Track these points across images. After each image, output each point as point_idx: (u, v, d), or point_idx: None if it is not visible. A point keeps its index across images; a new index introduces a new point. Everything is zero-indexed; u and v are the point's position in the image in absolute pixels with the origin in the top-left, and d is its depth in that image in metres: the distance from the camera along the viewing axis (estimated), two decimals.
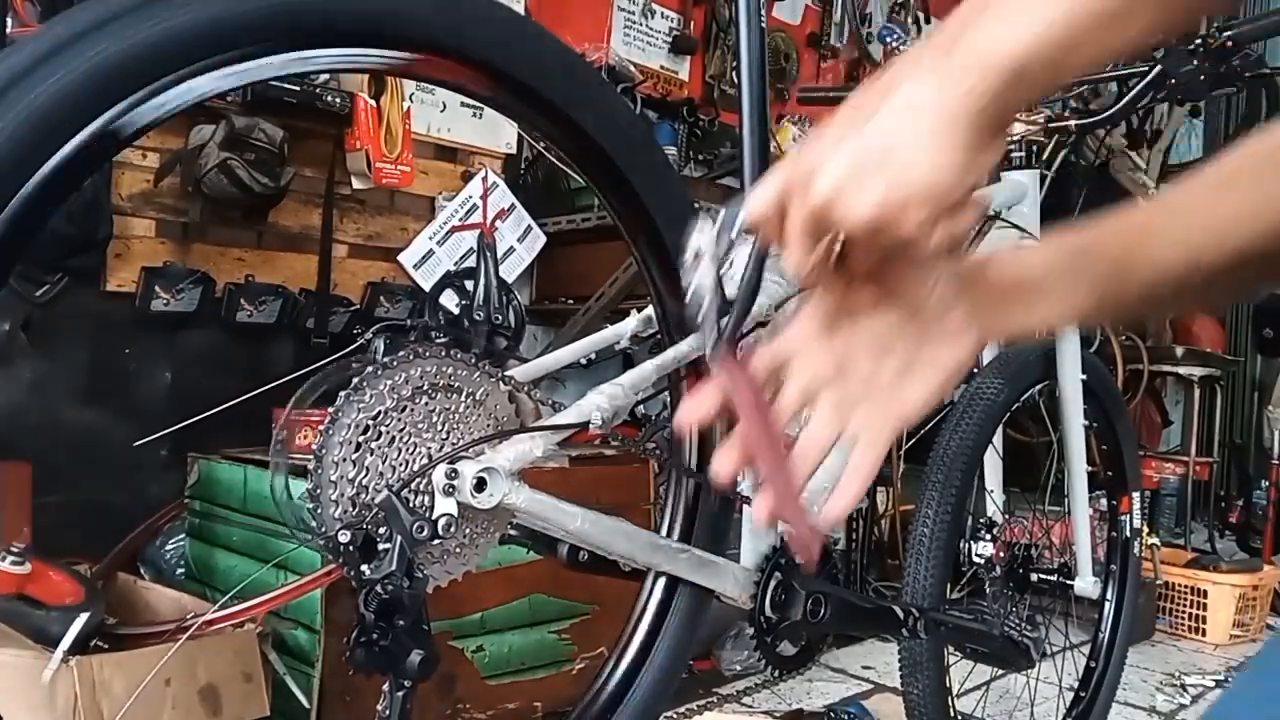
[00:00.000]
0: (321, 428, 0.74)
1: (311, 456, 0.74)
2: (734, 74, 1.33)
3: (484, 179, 2.67)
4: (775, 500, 0.55)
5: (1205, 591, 3.00)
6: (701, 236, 0.59)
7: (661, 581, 1.00)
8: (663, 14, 3.26)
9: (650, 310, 1.01)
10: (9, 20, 1.89)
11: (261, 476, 1.89)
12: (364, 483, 0.75)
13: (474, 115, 2.66)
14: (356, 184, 2.41)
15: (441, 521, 0.76)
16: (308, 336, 2.39)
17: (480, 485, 0.77)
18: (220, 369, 2.26)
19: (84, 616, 1.46)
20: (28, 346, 2.04)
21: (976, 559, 1.63)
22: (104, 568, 1.95)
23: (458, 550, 0.81)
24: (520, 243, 2.72)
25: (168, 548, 2.10)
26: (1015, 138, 1.67)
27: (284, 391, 0.91)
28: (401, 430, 0.76)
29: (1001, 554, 1.63)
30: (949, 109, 0.49)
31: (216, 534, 2.02)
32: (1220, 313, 4.43)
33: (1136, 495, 1.88)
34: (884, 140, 0.49)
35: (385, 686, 0.77)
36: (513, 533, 0.93)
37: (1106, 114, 1.62)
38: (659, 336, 1.00)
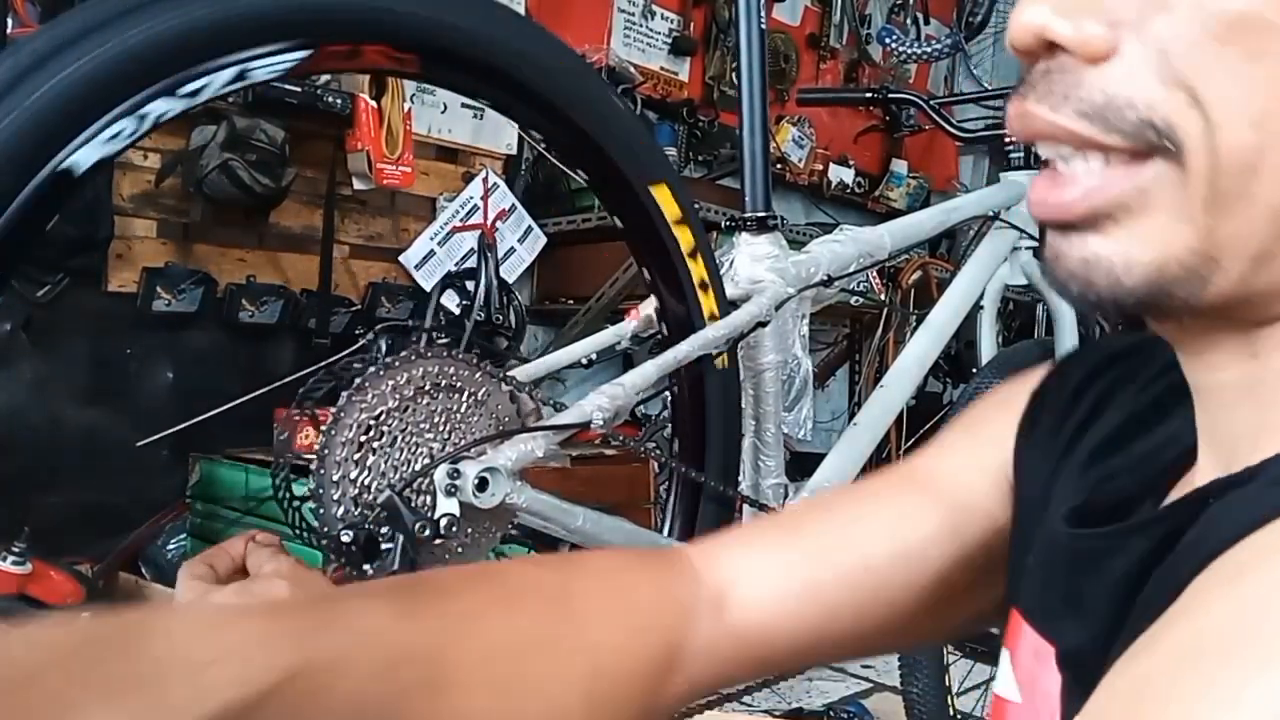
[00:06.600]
0: (324, 427, 0.74)
1: (313, 456, 0.74)
2: (734, 75, 1.34)
3: (485, 180, 2.67)
4: None
5: None
6: None
7: None
8: (663, 15, 3.26)
9: (651, 310, 1.02)
10: (9, 21, 1.89)
11: (263, 476, 1.89)
12: (366, 482, 0.75)
13: (474, 116, 2.66)
14: (357, 185, 2.41)
15: (444, 521, 0.76)
16: (309, 337, 2.39)
17: (482, 485, 0.77)
18: (222, 369, 2.26)
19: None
20: (28, 347, 2.04)
21: None
22: (105, 568, 1.95)
23: (460, 549, 0.81)
24: (521, 243, 2.72)
25: (169, 548, 2.11)
26: (1015, 138, 1.67)
27: (285, 392, 0.92)
28: (404, 430, 0.77)
29: None
30: None
31: (218, 534, 2.03)
32: None
33: None
34: None
35: None
36: (514, 532, 0.93)
37: None
38: (659, 336, 1.00)
